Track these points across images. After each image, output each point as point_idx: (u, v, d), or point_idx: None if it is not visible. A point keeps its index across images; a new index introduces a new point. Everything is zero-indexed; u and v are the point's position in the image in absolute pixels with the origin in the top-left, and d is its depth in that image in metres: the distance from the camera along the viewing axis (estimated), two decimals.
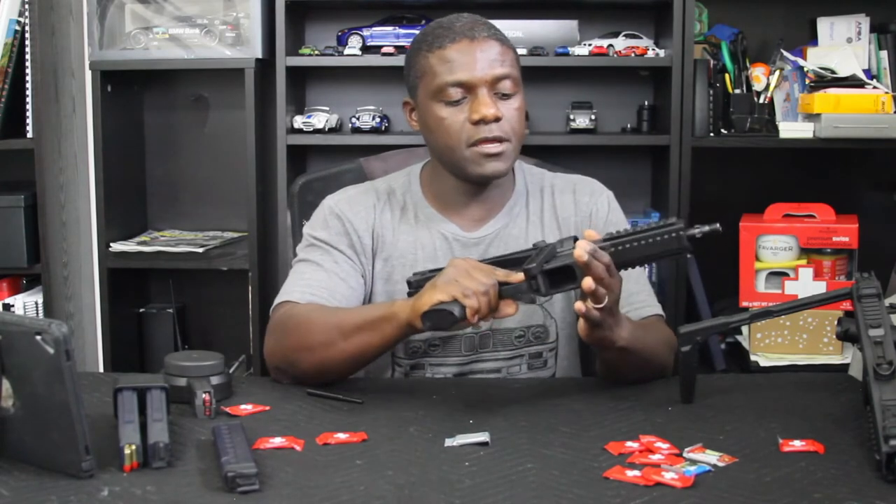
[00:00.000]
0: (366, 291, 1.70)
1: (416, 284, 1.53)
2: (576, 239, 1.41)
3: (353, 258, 1.69)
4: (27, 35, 2.55)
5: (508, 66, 1.64)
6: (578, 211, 1.75)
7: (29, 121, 2.58)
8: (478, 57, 1.62)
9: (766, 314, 1.49)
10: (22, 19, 2.56)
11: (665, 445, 1.27)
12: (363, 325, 1.51)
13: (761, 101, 2.57)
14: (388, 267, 1.71)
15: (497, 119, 1.61)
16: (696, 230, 1.40)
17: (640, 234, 1.40)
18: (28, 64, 2.56)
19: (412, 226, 1.72)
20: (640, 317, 1.66)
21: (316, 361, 1.54)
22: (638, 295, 1.69)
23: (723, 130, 2.58)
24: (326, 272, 1.66)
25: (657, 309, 1.70)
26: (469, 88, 1.62)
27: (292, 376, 1.58)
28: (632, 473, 1.18)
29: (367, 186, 1.79)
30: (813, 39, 2.63)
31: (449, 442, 1.30)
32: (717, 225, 1.41)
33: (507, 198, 1.74)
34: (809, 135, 2.48)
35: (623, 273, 1.69)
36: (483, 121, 1.61)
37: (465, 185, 1.70)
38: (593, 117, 2.62)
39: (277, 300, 1.65)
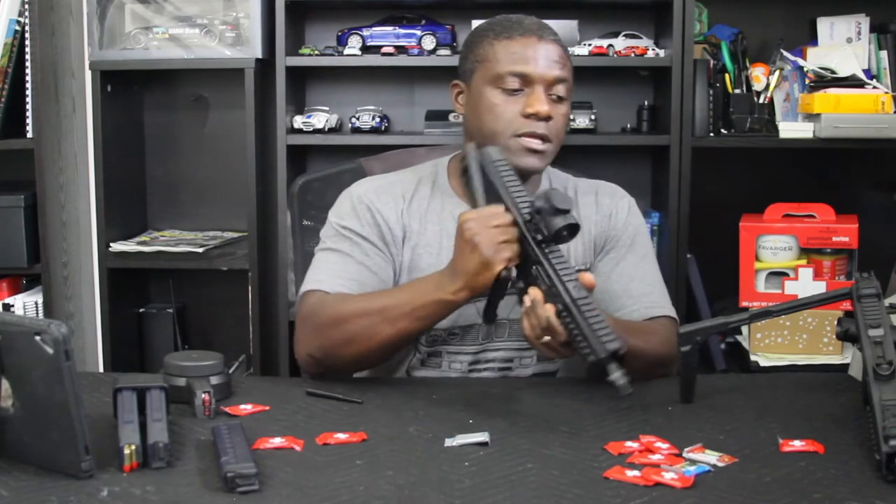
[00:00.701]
0: (394, 281, 1.71)
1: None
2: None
3: (384, 250, 1.69)
4: (27, 35, 2.55)
5: (567, 72, 1.68)
6: (599, 210, 1.76)
7: (29, 121, 2.58)
8: (542, 55, 1.65)
9: (765, 314, 1.49)
10: (22, 19, 2.56)
11: (665, 445, 1.27)
12: (411, 313, 1.52)
13: (761, 101, 2.57)
14: (414, 255, 1.71)
15: (548, 118, 1.64)
16: (616, 374, 1.30)
17: (580, 320, 1.32)
18: (28, 64, 2.56)
19: (439, 215, 1.73)
20: (647, 317, 1.66)
21: (357, 352, 1.56)
22: (650, 296, 1.69)
23: (723, 130, 2.58)
24: (357, 264, 1.66)
25: (667, 310, 1.70)
26: (527, 82, 1.65)
27: (328, 366, 1.59)
28: (632, 473, 1.18)
29: (393, 177, 1.79)
30: (813, 39, 2.63)
31: (449, 442, 1.29)
32: (628, 387, 1.31)
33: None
34: (809, 135, 2.48)
35: (634, 272, 1.70)
36: (536, 116, 1.64)
37: None
38: (593, 117, 2.62)
39: (305, 288, 1.65)
